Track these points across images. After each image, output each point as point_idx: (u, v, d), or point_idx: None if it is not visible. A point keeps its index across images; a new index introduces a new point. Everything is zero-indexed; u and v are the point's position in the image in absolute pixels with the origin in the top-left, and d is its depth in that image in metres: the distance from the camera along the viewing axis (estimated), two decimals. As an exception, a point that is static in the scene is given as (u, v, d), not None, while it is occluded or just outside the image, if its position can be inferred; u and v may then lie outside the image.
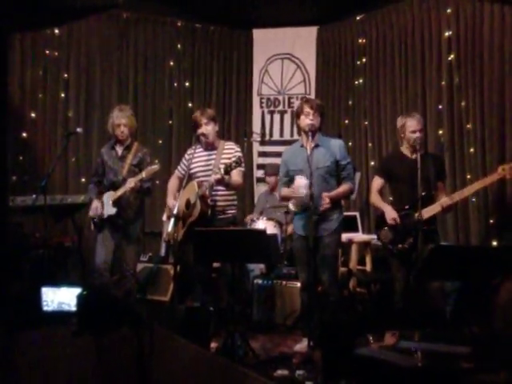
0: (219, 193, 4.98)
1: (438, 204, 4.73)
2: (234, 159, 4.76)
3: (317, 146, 4.70)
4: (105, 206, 5.35)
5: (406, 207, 4.82)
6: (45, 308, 4.56)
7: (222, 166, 4.68)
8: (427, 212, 4.68)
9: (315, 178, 4.54)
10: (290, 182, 4.76)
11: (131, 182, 5.16)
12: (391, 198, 5.29)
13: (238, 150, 5.08)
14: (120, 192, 5.27)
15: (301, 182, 4.51)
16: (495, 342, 3.59)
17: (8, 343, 3.06)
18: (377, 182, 5.15)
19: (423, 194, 4.57)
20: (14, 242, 5.74)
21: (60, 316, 4.47)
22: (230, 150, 5.00)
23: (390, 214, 4.87)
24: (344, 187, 4.71)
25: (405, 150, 5.01)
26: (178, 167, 5.32)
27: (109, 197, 5.33)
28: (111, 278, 5.46)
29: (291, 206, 4.70)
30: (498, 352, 3.06)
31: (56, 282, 5.19)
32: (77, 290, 4.24)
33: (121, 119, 5.38)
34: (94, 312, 3.68)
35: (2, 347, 2.99)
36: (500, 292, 4.39)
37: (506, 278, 4.40)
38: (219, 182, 4.71)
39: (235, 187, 5.01)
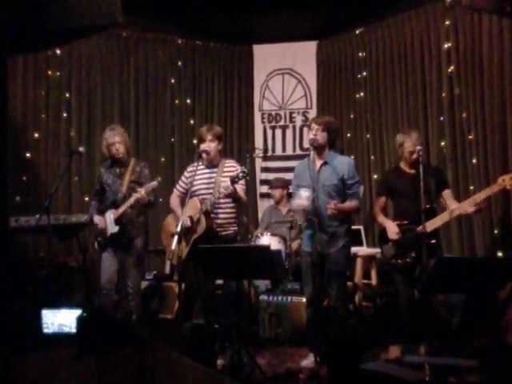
0: (220, 210, 4.99)
1: (439, 218, 4.74)
2: (240, 169, 4.75)
3: (325, 163, 4.72)
4: (107, 224, 5.36)
5: (405, 222, 4.85)
6: (45, 330, 4.53)
7: (228, 178, 4.67)
8: (430, 225, 4.69)
9: (321, 195, 4.61)
10: None
11: (134, 196, 5.14)
12: (394, 213, 5.28)
13: (239, 168, 5.09)
14: (121, 209, 5.27)
15: (301, 194, 4.54)
16: (504, 354, 3.56)
17: (8, 366, 3.04)
18: (380, 200, 5.20)
19: (427, 206, 4.59)
20: (17, 263, 5.73)
21: (60, 338, 4.45)
22: (231, 168, 5.01)
23: (392, 228, 4.89)
24: (350, 203, 4.71)
25: (403, 165, 5.06)
26: (177, 185, 5.33)
27: (111, 215, 5.34)
28: (112, 298, 5.44)
29: (297, 219, 4.72)
30: (508, 365, 3.04)
31: (60, 303, 5.18)
32: (77, 312, 4.23)
33: (114, 138, 5.39)
34: (94, 333, 3.66)
35: (1, 371, 2.97)
36: (510, 304, 4.37)
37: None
38: (226, 190, 4.67)
39: (240, 202, 5.02)
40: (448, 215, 4.74)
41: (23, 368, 3.32)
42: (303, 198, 4.51)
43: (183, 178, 5.28)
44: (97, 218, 5.45)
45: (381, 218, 5.09)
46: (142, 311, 5.77)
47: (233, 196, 4.85)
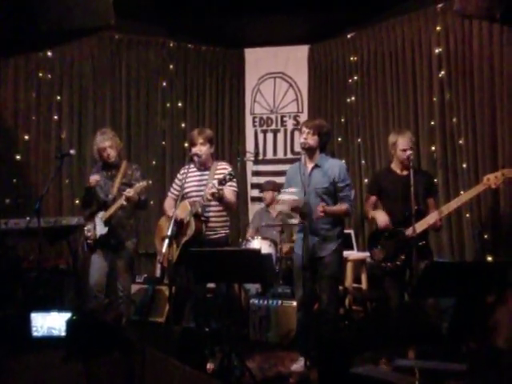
0: (211, 213, 4.97)
1: (429, 217, 4.75)
2: (227, 171, 4.76)
3: (316, 166, 4.73)
4: (97, 226, 5.34)
5: (393, 226, 4.86)
6: (34, 333, 4.52)
7: (216, 181, 4.66)
8: (419, 226, 4.70)
9: (313, 198, 4.61)
10: None
11: (124, 196, 5.12)
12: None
13: (231, 169, 5.08)
14: (111, 210, 5.26)
15: (288, 191, 4.60)
16: (494, 358, 3.57)
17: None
18: (370, 200, 5.20)
19: (416, 207, 4.59)
20: (7, 265, 5.70)
21: (50, 341, 4.43)
22: (223, 170, 4.97)
23: (382, 217, 4.89)
24: (340, 206, 4.71)
25: (395, 166, 5.07)
26: (171, 189, 5.30)
27: (100, 217, 5.32)
28: (102, 302, 5.41)
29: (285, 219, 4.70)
30: (497, 369, 3.05)
31: (50, 306, 5.16)
32: (67, 315, 4.21)
33: (104, 142, 5.38)
34: (83, 337, 3.65)
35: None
36: (500, 308, 4.38)
37: (504, 294, 4.40)
38: (213, 195, 4.67)
39: (228, 204, 4.96)
40: (437, 215, 4.75)
41: (12, 371, 3.31)
42: (290, 192, 4.55)
43: (176, 181, 5.25)
44: (92, 176, 5.43)
45: (371, 213, 5.09)
46: (132, 314, 5.77)
47: (219, 198, 4.82)
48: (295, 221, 4.68)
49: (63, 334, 4.22)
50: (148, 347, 3.47)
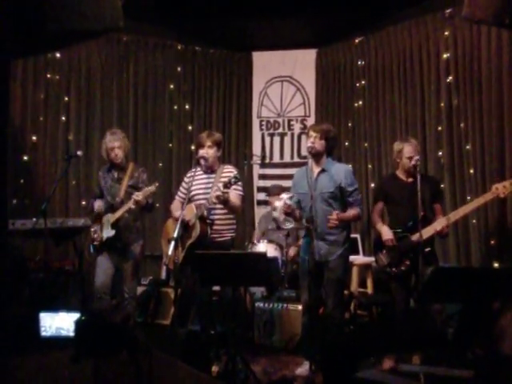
0: (217, 216, 4.97)
1: (437, 223, 4.75)
2: (232, 174, 4.76)
3: (323, 170, 4.73)
4: (104, 228, 5.35)
5: (399, 230, 4.85)
6: (43, 333, 4.52)
7: (221, 184, 4.67)
8: (425, 233, 4.69)
9: (319, 202, 4.61)
10: (298, 203, 4.79)
11: (132, 199, 5.12)
12: (389, 221, 5.28)
13: (236, 172, 5.08)
14: (118, 213, 5.26)
15: (281, 197, 4.63)
16: (500, 365, 3.56)
17: (5, 369, 3.03)
18: (377, 207, 5.20)
19: (422, 214, 4.59)
20: (13, 266, 5.71)
21: (58, 341, 4.44)
22: (229, 174, 4.96)
23: (386, 234, 4.89)
24: (352, 212, 4.71)
25: (400, 173, 5.08)
26: (178, 192, 5.32)
27: (108, 219, 5.33)
28: (110, 302, 5.42)
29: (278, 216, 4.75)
30: (503, 375, 3.04)
31: (56, 306, 5.16)
32: (75, 315, 4.21)
33: (114, 142, 5.38)
34: (92, 337, 3.65)
35: None
36: (506, 314, 4.37)
37: (510, 300, 4.38)
38: (218, 198, 4.67)
39: (233, 207, 4.97)
40: (445, 221, 4.74)
41: (20, 370, 3.32)
42: (281, 199, 4.58)
43: (183, 184, 5.27)
44: (96, 203, 5.44)
45: (379, 226, 5.10)
46: (137, 316, 5.77)
47: (225, 201, 4.82)
48: (290, 225, 4.70)
49: (72, 334, 4.22)
50: (154, 349, 3.47)
